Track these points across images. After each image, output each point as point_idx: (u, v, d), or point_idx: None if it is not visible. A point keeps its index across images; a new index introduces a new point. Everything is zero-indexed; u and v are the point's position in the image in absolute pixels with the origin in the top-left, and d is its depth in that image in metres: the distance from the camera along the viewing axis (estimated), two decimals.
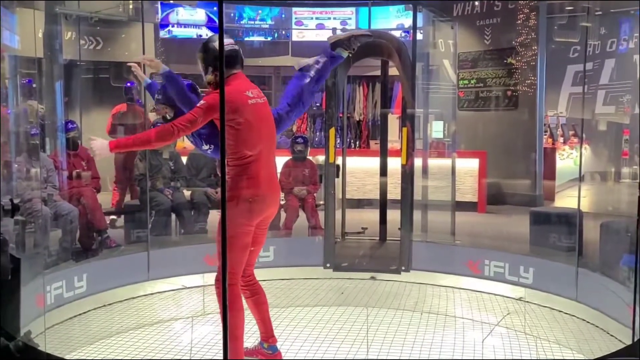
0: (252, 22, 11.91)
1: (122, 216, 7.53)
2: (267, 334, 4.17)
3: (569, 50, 10.51)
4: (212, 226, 7.00)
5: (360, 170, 9.49)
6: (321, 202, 7.05)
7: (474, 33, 10.45)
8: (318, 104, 11.54)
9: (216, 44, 3.87)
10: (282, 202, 7.37)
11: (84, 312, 5.17)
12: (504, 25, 10.18)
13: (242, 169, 3.74)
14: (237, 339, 3.81)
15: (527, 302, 5.32)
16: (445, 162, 7.71)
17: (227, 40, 3.97)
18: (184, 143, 10.18)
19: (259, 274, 6.05)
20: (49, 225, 5.78)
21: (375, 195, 8.03)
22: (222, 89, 3.24)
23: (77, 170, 6.75)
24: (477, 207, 9.50)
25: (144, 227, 6.41)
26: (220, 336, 2.98)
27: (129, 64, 4.54)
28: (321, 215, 6.80)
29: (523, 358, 4.36)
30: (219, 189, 7.05)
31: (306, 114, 11.21)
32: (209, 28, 11.38)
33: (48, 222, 5.76)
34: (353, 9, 11.57)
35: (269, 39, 12.05)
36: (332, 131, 6.23)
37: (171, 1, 11.18)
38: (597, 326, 4.84)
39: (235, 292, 3.83)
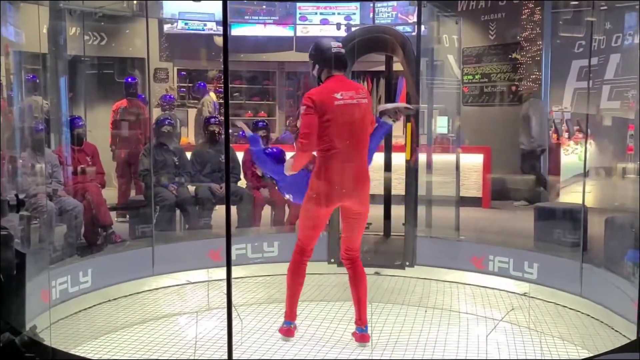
0: (257, 17, 11.89)
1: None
2: (356, 315, 4.50)
3: (574, 45, 10.45)
4: (218, 221, 7.02)
5: None
6: None
7: (479, 28, 10.42)
8: None
9: (324, 45, 4.34)
10: (286, 198, 7.37)
11: (89, 307, 5.18)
12: (508, 20, 10.14)
13: (320, 162, 4.23)
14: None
15: (532, 297, 5.31)
16: (450, 158, 7.69)
17: (335, 43, 4.37)
18: (188, 139, 10.22)
19: (264, 269, 6.13)
20: (54, 221, 5.80)
21: (380, 190, 7.99)
22: (226, 83, 3.26)
23: (82, 166, 6.77)
24: (481, 202, 9.48)
25: (149, 223, 6.42)
26: (225, 332, 2.98)
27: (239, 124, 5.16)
28: None
29: (527, 353, 4.36)
30: (223, 185, 7.06)
31: None
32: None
33: (53, 217, 5.77)
34: (357, 4, 11.54)
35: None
36: None
37: None
38: (601, 322, 4.83)
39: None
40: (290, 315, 4.57)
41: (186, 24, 11.50)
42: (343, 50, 4.36)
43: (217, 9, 10.80)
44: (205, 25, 11.43)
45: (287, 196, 4.86)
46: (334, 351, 4.36)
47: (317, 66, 4.35)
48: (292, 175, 4.49)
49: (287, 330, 4.56)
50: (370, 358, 4.25)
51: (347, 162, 4.26)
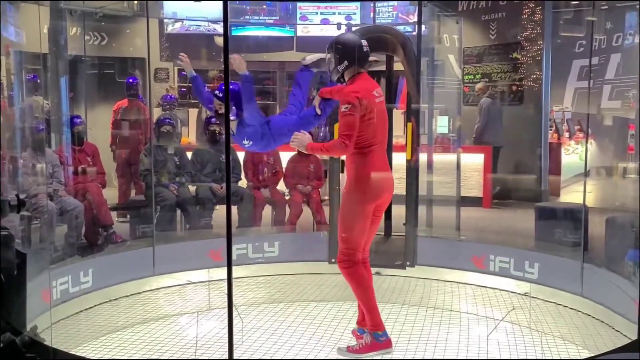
0: (257, 18, 11.89)
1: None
2: (360, 317, 4.44)
3: (575, 45, 10.45)
4: (219, 220, 7.01)
5: None
6: (326, 198, 7.04)
7: (479, 28, 10.41)
8: None
9: (355, 42, 4.28)
10: (287, 198, 7.38)
11: (90, 307, 5.19)
12: (509, 20, 10.14)
13: (362, 159, 4.15)
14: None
15: (532, 297, 5.31)
16: (451, 157, 7.69)
17: (364, 41, 4.34)
18: (189, 139, 10.22)
19: (264, 269, 6.13)
20: (54, 221, 5.80)
21: None
22: (226, 81, 3.26)
23: (83, 166, 6.77)
24: (482, 202, 9.48)
25: (149, 223, 6.42)
26: (226, 331, 2.98)
27: (180, 55, 4.88)
28: (326, 210, 6.79)
29: (528, 353, 4.36)
30: (223, 185, 7.05)
31: None
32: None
33: (54, 217, 5.78)
34: (358, 3, 11.53)
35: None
36: (336, 126, 6.21)
37: None
38: (602, 321, 4.83)
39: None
40: (381, 324, 4.31)
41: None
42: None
43: (210, 10, 10.78)
44: (206, 24, 11.43)
45: (244, 142, 4.65)
46: (335, 351, 4.36)
47: (345, 62, 4.25)
48: (254, 122, 4.53)
49: (387, 342, 4.29)
50: (370, 358, 4.25)
51: (383, 156, 4.31)
